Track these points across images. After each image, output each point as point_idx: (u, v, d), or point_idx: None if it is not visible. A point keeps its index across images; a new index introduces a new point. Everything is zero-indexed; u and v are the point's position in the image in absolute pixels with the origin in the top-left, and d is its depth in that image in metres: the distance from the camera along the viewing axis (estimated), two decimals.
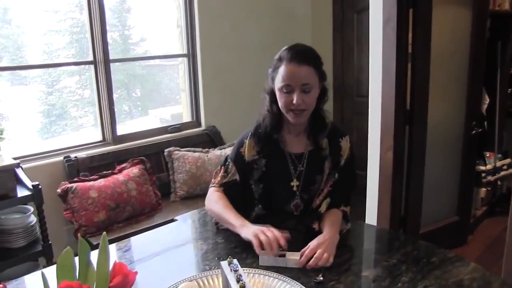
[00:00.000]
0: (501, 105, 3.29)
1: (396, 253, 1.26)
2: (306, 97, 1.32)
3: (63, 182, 2.52)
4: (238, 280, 0.95)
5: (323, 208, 1.39)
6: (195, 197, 2.92)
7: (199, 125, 3.42)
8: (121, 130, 3.07)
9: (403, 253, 1.26)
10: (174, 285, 1.05)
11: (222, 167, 1.49)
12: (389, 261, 1.22)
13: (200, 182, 2.94)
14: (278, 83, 1.34)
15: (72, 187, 2.48)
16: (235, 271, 0.99)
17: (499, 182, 3.39)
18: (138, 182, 2.69)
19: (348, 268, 1.20)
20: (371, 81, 2.41)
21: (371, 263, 1.28)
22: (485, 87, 2.99)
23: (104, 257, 0.71)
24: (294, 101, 1.31)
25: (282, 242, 1.20)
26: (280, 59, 1.34)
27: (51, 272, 0.76)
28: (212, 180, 1.52)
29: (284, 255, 1.21)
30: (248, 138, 1.45)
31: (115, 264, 0.75)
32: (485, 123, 3.15)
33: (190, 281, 1.07)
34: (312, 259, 1.18)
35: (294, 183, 1.43)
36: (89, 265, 0.73)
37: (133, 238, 1.51)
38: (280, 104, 1.36)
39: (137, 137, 3.08)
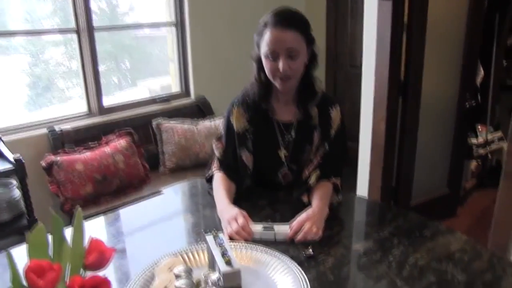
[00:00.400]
0: (495, 78, 3.25)
1: (387, 226, 1.24)
2: (292, 63, 1.26)
3: (46, 155, 2.45)
4: (224, 254, 0.92)
5: (312, 180, 1.35)
6: (185, 169, 2.88)
7: (188, 95, 3.33)
8: (107, 101, 2.97)
9: (395, 226, 1.24)
10: (158, 260, 1.01)
11: (215, 150, 1.47)
12: (380, 234, 1.20)
13: (189, 153, 2.89)
14: (263, 49, 1.28)
15: (57, 160, 2.42)
16: (221, 245, 0.95)
17: (489, 155, 3.40)
18: (125, 154, 2.63)
19: (339, 241, 1.18)
20: (365, 51, 2.35)
21: (362, 236, 1.26)
22: (480, 59, 2.93)
23: (79, 233, 0.67)
24: (280, 68, 1.25)
25: (247, 234, 1.16)
26: (265, 25, 1.27)
27: None
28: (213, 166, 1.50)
29: (272, 228, 1.18)
30: (236, 107, 1.40)
31: (91, 240, 0.71)
32: (479, 95, 3.11)
33: (175, 255, 1.03)
34: (301, 233, 1.15)
35: (282, 152, 1.39)
36: (63, 242, 0.68)
37: (121, 211, 1.48)
38: (266, 71, 1.31)
39: (124, 109, 3.00)
